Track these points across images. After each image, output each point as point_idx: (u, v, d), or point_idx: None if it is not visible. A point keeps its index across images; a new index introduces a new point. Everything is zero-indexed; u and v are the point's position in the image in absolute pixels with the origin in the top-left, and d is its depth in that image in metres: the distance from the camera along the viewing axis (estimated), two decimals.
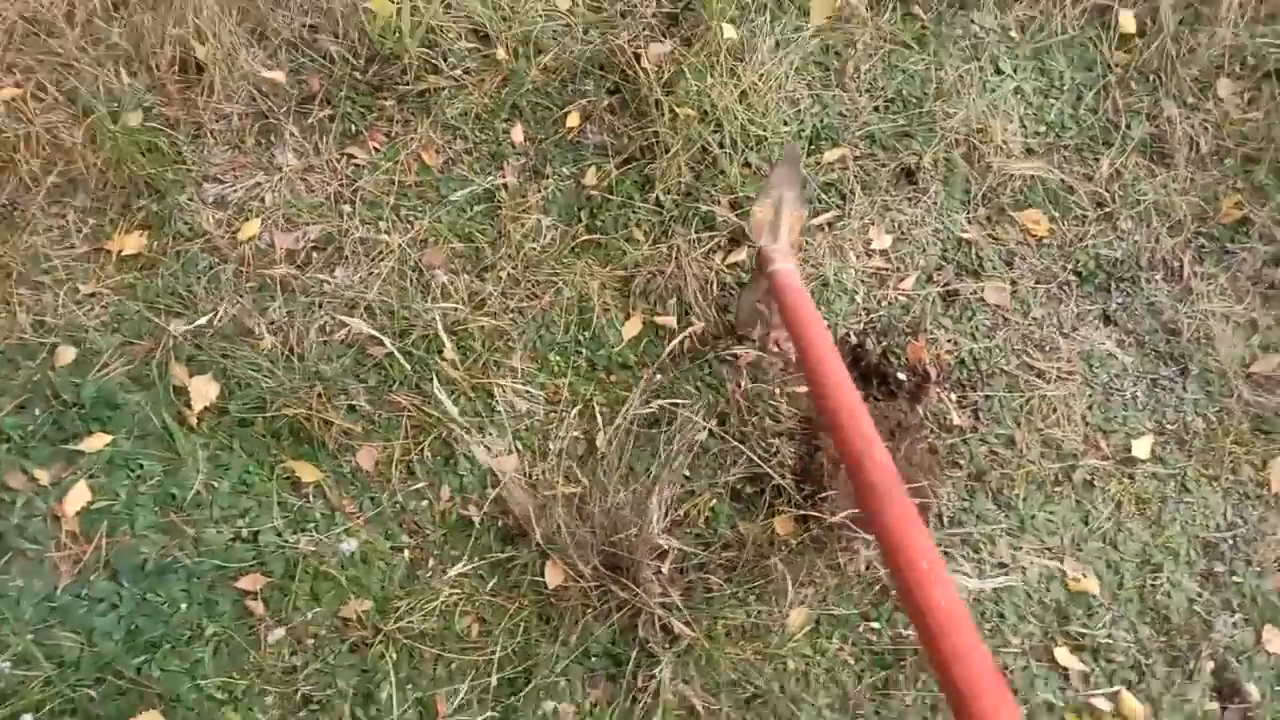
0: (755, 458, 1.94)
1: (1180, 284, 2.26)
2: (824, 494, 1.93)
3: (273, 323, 2.09)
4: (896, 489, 1.29)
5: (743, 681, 1.83)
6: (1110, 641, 1.94)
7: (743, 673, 1.83)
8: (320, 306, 2.11)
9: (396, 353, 1.99)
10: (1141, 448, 2.11)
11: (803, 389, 2.04)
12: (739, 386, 2.02)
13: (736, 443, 1.97)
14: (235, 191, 2.24)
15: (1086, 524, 2.05)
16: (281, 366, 2.03)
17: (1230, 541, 2.06)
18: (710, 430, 1.99)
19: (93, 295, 2.11)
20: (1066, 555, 2.02)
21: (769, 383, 2.06)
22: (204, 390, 1.99)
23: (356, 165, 2.29)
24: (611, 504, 1.85)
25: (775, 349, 2.07)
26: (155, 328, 2.06)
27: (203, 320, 2.06)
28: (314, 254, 2.19)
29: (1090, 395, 2.16)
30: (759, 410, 2.04)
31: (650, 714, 1.77)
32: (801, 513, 1.91)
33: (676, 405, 2.00)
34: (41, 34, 2.35)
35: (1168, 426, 2.15)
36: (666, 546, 1.85)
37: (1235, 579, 2.02)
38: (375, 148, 2.32)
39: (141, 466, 1.92)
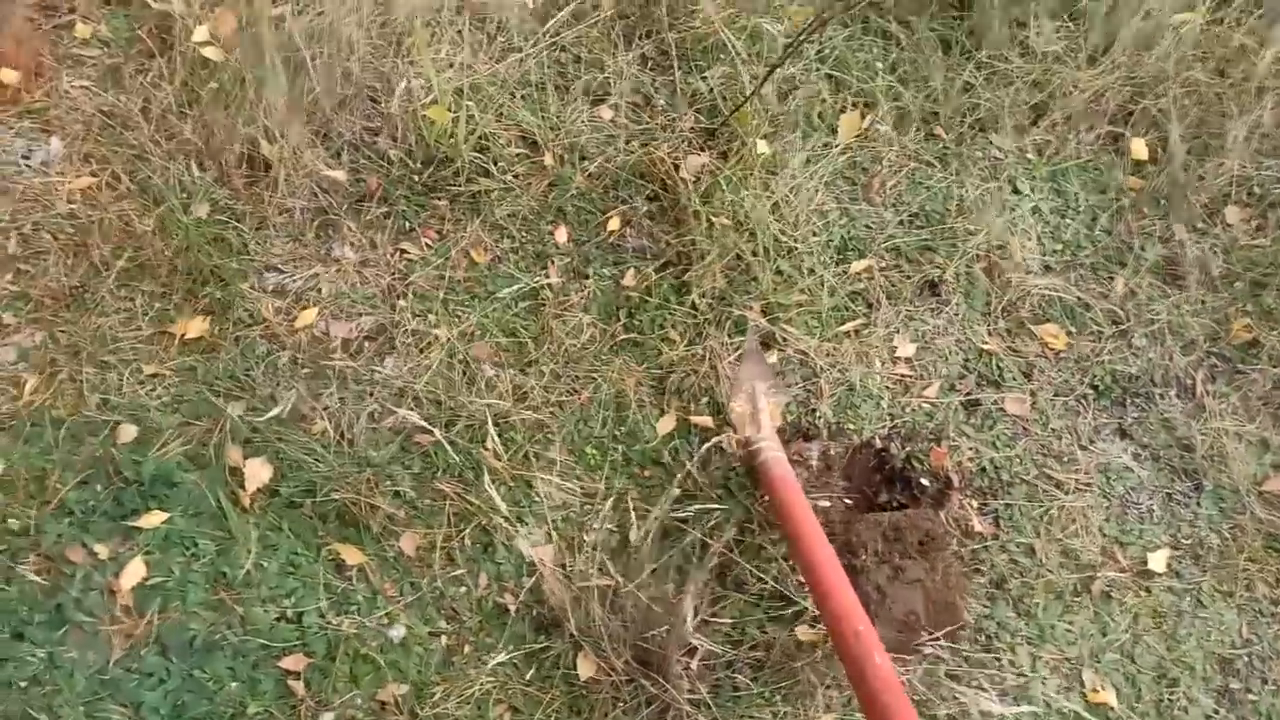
0: (770, 580, 1.98)
1: (1193, 401, 2.31)
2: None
3: (326, 409, 2.15)
4: (898, 700, 1.23)
5: None
6: None
7: None
8: (371, 395, 2.18)
9: (444, 442, 2.05)
10: (1158, 561, 2.14)
11: (825, 503, 2.06)
12: (762, 498, 2.05)
13: (749, 563, 2.00)
14: (294, 281, 2.33)
15: (1104, 635, 2.07)
16: (332, 451, 2.09)
17: (1246, 659, 2.07)
18: (738, 538, 2.02)
19: (155, 376, 2.19)
20: (1085, 666, 2.03)
21: None
22: (258, 472, 2.05)
23: (409, 260, 2.39)
24: (646, 599, 1.89)
25: (798, 458, 2.11)
26: (214, 410, 2.12)
27: (272, 413, 2.12)
28: (366, 343, 2.27)
29: (1108, 507, 2.20)
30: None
31: None
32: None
33: (709, 510, 2.04)
34: (118, 127, 2.47)
35: (1183, 541, 2.18)
36: (696, 644, 1.88)
37: (1251, 696, 2.03)
38: (428, 244, 2.41)
39: (196, 544, 1.96)
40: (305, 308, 2.30)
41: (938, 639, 1.99)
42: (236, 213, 2.40)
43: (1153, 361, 2.33)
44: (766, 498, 1.61)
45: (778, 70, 2.47)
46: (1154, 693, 2.01)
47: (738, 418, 1.75)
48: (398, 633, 1.92)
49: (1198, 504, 2.21)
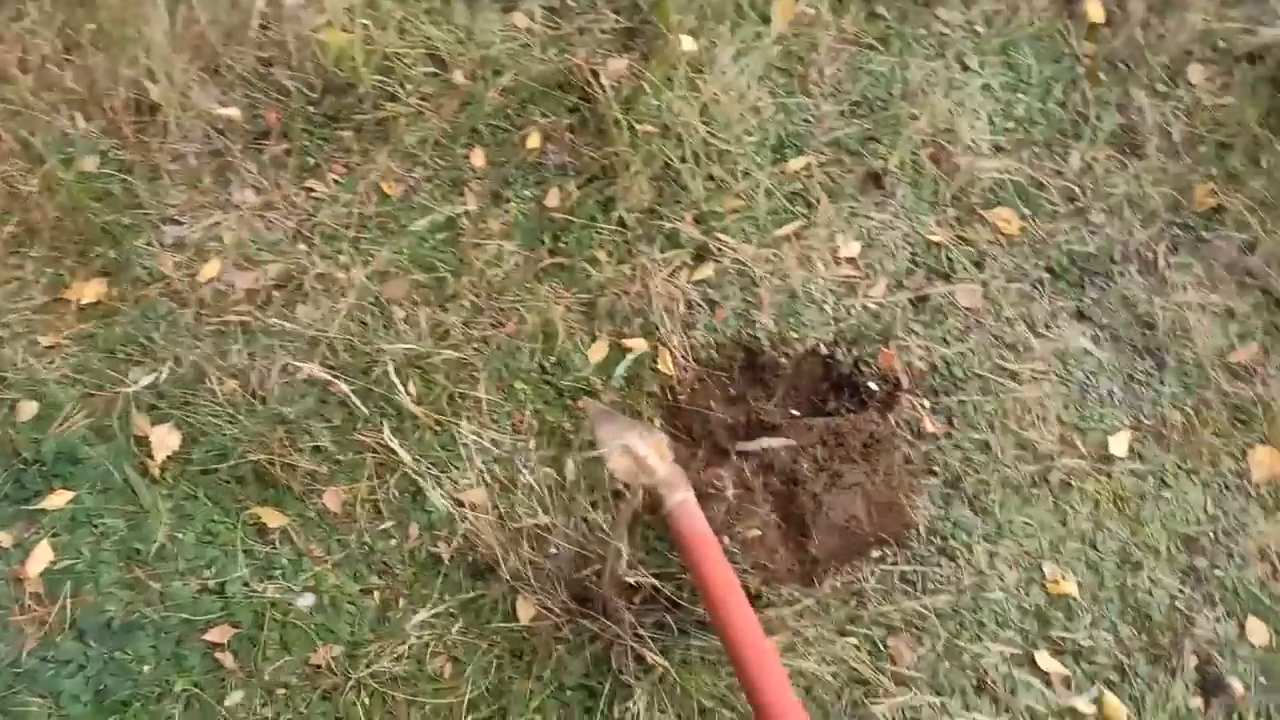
0: None
1: (1155, 276, 2.13)
2: (804, 534, 1.82)
3: (233, 366, 1.98)
4: None
5: (719, 708, 1.72)
6: (1092, 643, 1.83)
7: (720, 699, 1.73)
8: (282, 347, 2.00)
9: (351, 396, 1.88)
10: (1119, 445, 1.99)
11: (754, 533, 1.82)
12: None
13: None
14: (194, 233, 2.13)
15: (1064, 525, 1.93)
16: (244, 411, 1.93)
17: (1211, 535, 1.94)
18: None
19: (53, 347, 2.01)
20: (1045, 558, 1.90)
21: (716, 530, 1.77)
22: (166, 440, 1.89)
23: (316, 199, 2.18)
24: (579, 537, 1.75)
25: (712, 489, 1.82)
26: (116, 378, 1.95)
27: (163, 373, 1.95)
28: (275, 293, 2.08)
29: (1065, 394, 2.04)
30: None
31: None
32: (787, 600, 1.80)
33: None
34: None
35: (1145, 422, 2.03)
36: (636, 581, 1.74)
37: (1217, 572, 1.90)
38: (335, 180, 2.20)
39: (105, 522, 1.82)
40: (207, 260, 2.10)
41: (885, 542, 1.87)
42: (126, 164, 2.19)
43: (1111, 238, 2.14)
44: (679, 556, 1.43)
45: None
46: (1117, 578, 1.88)
47: (624, 474, 1.56)
48: (306, 601, 1.78)
49: (1160, 382, 2.05)
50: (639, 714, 1.69)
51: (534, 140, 2.21)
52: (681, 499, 1.43)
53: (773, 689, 1.11)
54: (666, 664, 1.70)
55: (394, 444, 1.79)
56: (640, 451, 1.54)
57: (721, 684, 1.73)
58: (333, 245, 2.11)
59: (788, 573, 1.85)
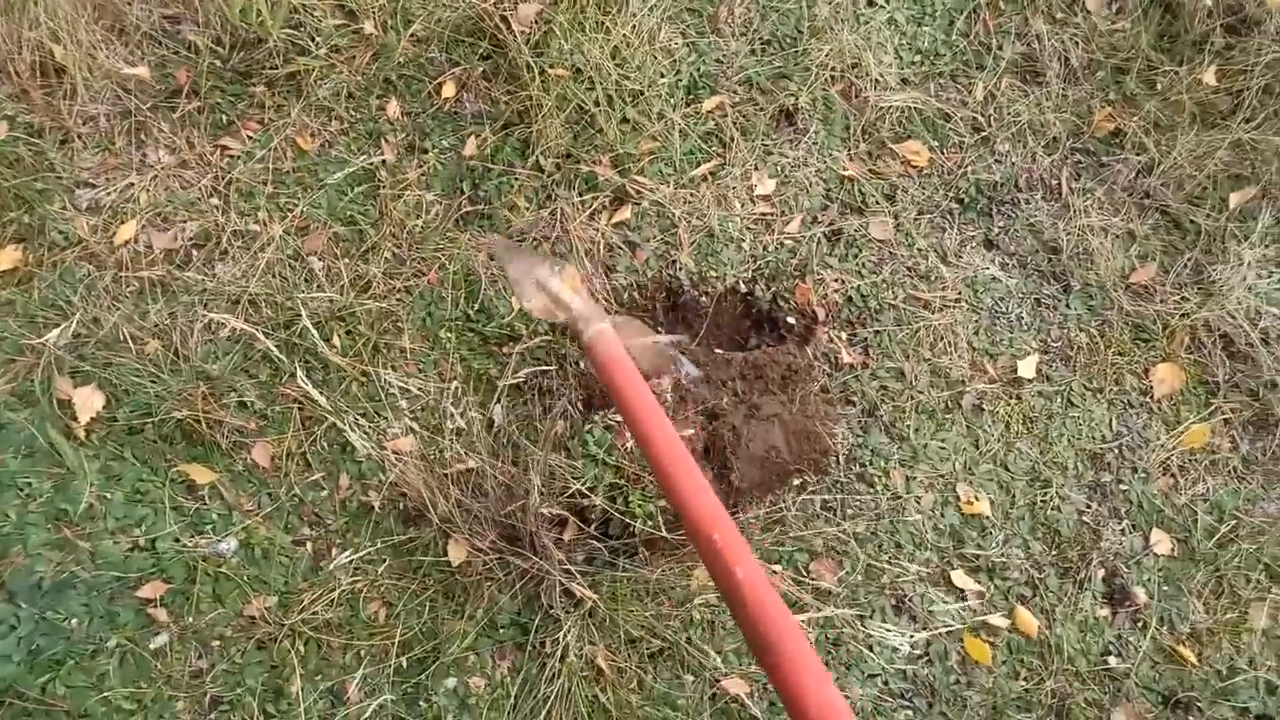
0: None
1: (1059, 201, 2.14)
2: (726, 465, 1.82)
3: (155, 326, 1.93)
4: (763, 612, 1.02)
5: (647, 637, 1.74)
6: (1004, 560, 1.87)
7: (647, 629, 1.74)
8: (203, 305, 1.95)
9: (272, 348, 1.85)
10: (1027, 368, 2.01)
11: (688, 432, 1.81)
12: (624, 447, 1.78)
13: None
14: (109, 195, 2.06)
15: (977, 448, 1.96)
16: (168, 369, 1.88)
17: (1116, 451, 1.98)
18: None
19: None
20: (959, 480, 1.93)
21: None
22: (89, 401, 1.85)
23: (231, 156, 2.11)
24: (502, 477, 1.74)
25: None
26: (35, 342, 1.90)
27: (65, 329, 1.89)
28: (194, 251, 2.03)
29: (976, 321, 2.06)
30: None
31: (556, 677, 1.69)
32: None
33: (546, 372, 1.87)
34: None
35: (1052, 345, 2.06)
36: (562, 515, 1.74)
37: (1122, 487, 1.94)
38: (249, 136, 2.13)
39: (30, 485, 1.77)
40: (123, 222, 2.04)
41: (803, 470, 1.88)
42: (35, 128, 2.10)
43: (1016, 166, 2.15)
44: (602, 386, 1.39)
45: None
46: (1027, 496, 1.92)
47: (540, 312, 1.51)
48: (229, 546, 1.76)
49: (1066, 305, 2.08)
50: (569, 646, 1.70)
51: (449, 89, 2.16)
52: (599, 329, 1.40)
53: (696, 498, 1.11)
54: (594, 597, 1.71)
55: (314, 393, 1.76)
56: (553, 288, 1.49)
57: (648, 613, 1.75)
58: (250, 202, 2.06)
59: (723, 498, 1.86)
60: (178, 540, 1.77)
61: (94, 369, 1.87)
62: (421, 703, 1.70)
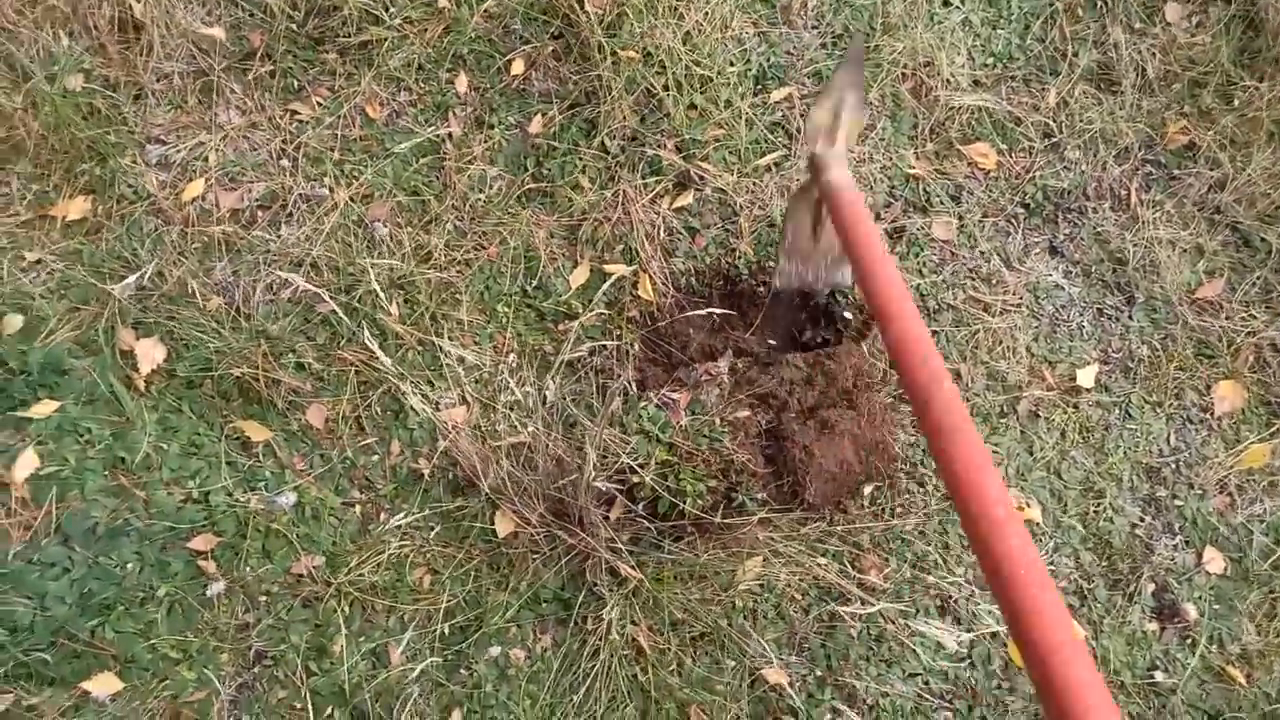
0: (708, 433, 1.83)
1: (1127, 212, 2.13)
2: (798, 482, 1.82)
3: (218, 283, 1.96)
4: (965, 426, 1.05)
5: (689, 620, 1.75)
6: (1053, 568, 1.86)
7: (690, 612, 1.75)
8: (266, 264, 1.98)
9: (339, 309, 1.87)
10: (1086, 377, 2.00)
11: (744, 414, 1.85)
12: (678, 425, 1.81)
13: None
14: (179, 152, 2.10)
15: (1031, 454, 1.95)
16: (228, 326, 1.91)
17: (1173, 466, 1.96)
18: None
19: (38, 262, 1.98)
20: (1011, 485, 1.92)
21: (709, 414, 1.84)
22: (150, 353, 1.88)
23: (300, 121, 2.14)
24: (555, 451, 1.75)
25: (707, 377, 1.89)
26: (101, 292, 1.93)
27: (141, 277, 1.93)
28: (259, 212, 2.06)
29: (1036, 327, 2.05)
30: (702, 443, 1.81)
31: (597, 654, 1.70)
32: (766, 514, 1.80)
33: (602, 349, 1.88)
34: None
35: (1113, 355, 2.04)
36: (611, 492, 1.75)
37: (1177, 502, 1.93)
38: (319, 103, 2.16)
39: (90, 431, 1.81)
40: (191, 179, 2.07)
41: (874, 478, 1.87)
42: (111, 82, 2.14)
43: (1085, 174, 2.13)
44: (832, 221, 1.41)
45: None
46: (1080, 506, 1.91)
47: (814, 127, 1.52)
48: (288, 500, 1.79)
49: (1129, 317, 2.06)
50: (612, 624, 1.71)
51: (518, 66, 2.18)
52: (846, 176, 1.42)
53: (915, 332, 1.16)
54: (640, 576, 1.72)
55: (380, 354, 1.78)
56: (842, 118, 1.52)
57: (693, 597, 1.76)
58: (317, 167, 2.09)
59: (776, 494, 1.85)
60: (230, 495, 1.80)
61: (158, 321, 1.91)
62: (462, 670, 1.71)
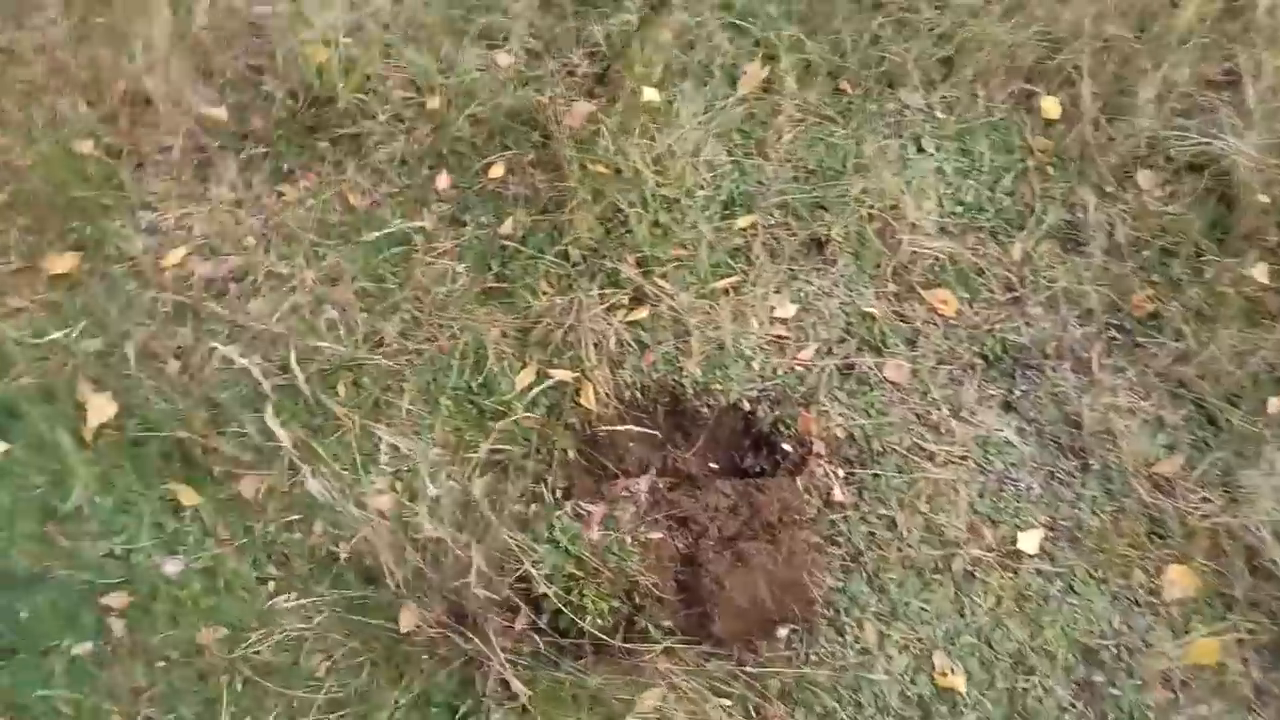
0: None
1: (1087, 375, 2.13)
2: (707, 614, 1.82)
3: (179, 348, 2.08)
4: None
5: None
6: None
7: None
8: (228, 336, 2.10)
9: (267, 386, 1.96)
10: (1029, 541, 1.97)
11: (656, 535, 1.87)
12: (588, 540, 1.83)
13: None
14: (167, 219, 2.25)
15: (962, 616, 1.92)
16: (179, 391, 2.02)
17: (1113, 650, 1.90)
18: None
19: (21, 310, 2.13)
20: (937, 648, 1.90)
21: (621, 531, 1.86)
22: (102, 408, 1.99)
23: (285, 203, 2.29)
24: (463, 553, 1.79)
25: (625, 493, 1.94)
26: (70, 345, 2.06)
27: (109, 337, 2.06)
28: (232, 285, 2.19)
29: (982, 482, 2.04)
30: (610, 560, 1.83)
31: None
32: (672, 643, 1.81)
33: (538, 450, 1.94)
34: (10, 63, 2.41)
35: (1060, 522, 2.02)
36: (515, 602, 1.78)
37: (1113, 691, 1.86)
38: (305, 187, 2.32)
39: (30, 476, 1.91)
40: (175, 247, 2.22)
41: (789, 621, 1.87)
42: (115, 149, 2.32)
43: (1047, 331, 2.15)
44: None
45: (676, 17, 2.32)
46: (1008, 680, 1.87)
47: None
48: (174, 567, 1.85)
49: (1082, 484, 2.04)
50: None
51: (498, 170, 2.31)
52: None
53: None
54: (529, 693, 1.73)
55: (274, 425, 1.81)
56: None
57: None
58: (291, 246, 2.22)
59: (684, 623, 1.86)
60: (150, 555, 1.87)
61: (116, 379, 2.02)
62: None
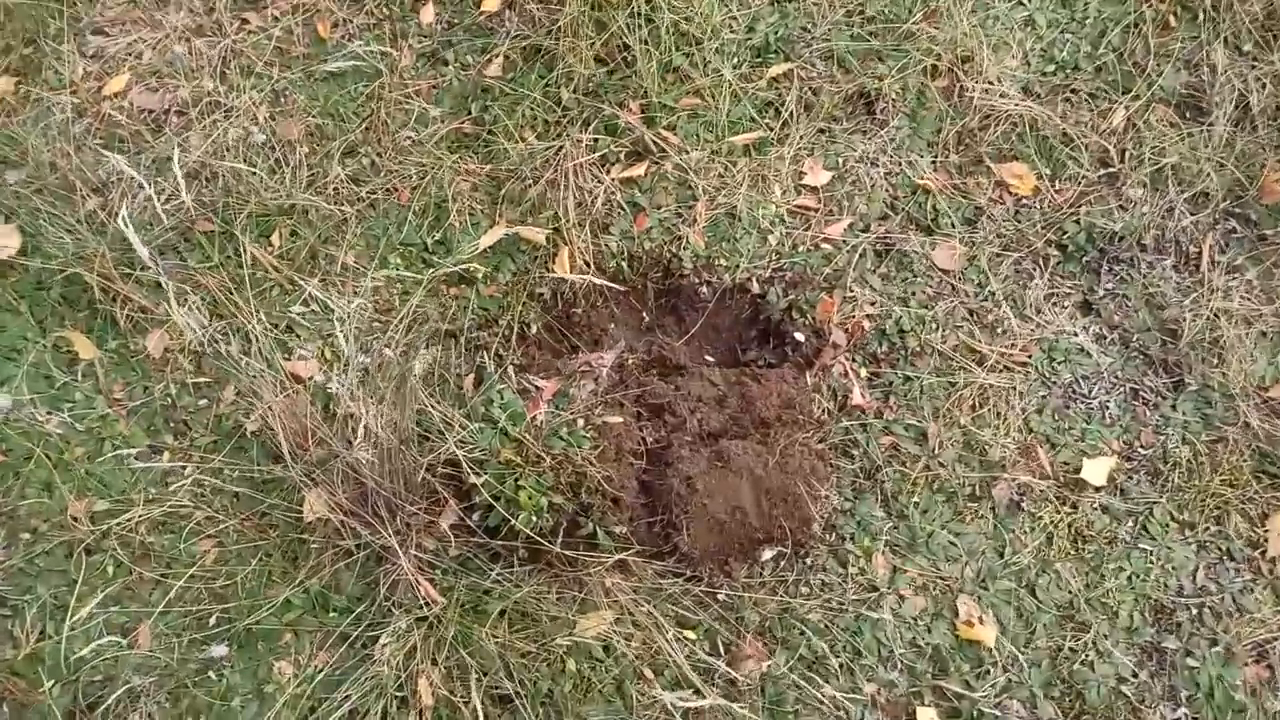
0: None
1: (1194, 274, 1.62)
2: (672, 524, 1.42)
3: (102, 183, 1.73)
4: None
5: (498, 677, 1.35)
6: (997, 713, 1.36)
7: (504, 663, 1.35)
8: (158, 173, 1.74)
9: (200, 236, 1.59)
10: (1096, 471, 1.50)
11: (615, 419, 1.45)
12: (533, 419, 1.43)
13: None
14: (115, 44, 1.90)
15: (1001, 556, 1.46)
16: (95, 230, 1.67)
17: (1194, 611, 1.43)
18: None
19: None
20: (964, 591, 1.44)
21: (573, 412, 1.47)
22: (5, 239, 1.66)
23: (248, 31, 1.91)
24: (396, 436, 1.40)
25: (586, 368, 1.54)
26: None
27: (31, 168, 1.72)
28: (175, 118, 1.83)
29: (1043, 396, 1.56)
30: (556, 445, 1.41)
31: (373, 693, 1.33)
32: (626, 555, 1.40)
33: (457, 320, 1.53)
34: None
35: (1140, 451, 1.53)
36: (439, 492, 1.39)
37: (1190, 662, 1.39)
38: (274, 16, 1.93)
39: None
40: (118, 75, 1.87)
41: (777, 541, 1.44)
42: None
43: (1146, 217, 1.63)
44: None
45: None
46: (1052, 637, 1.41)
47: None
48: (4, 402, 1.51)
49: (1172, 406, 1.54)
50: (396, 660, 1.34)
51: (492, 2, 1.88)
52: None
53: None
54: (442, 602, 1.34)
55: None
56: None
57: (513, 644, 1.36)
58: (249, 80, 1.83)
59: (646, 533, 1.44)
60: (34, 407, 1.54)
61: (29, 212, 1.68)
62: (212, 673, 1.38)
